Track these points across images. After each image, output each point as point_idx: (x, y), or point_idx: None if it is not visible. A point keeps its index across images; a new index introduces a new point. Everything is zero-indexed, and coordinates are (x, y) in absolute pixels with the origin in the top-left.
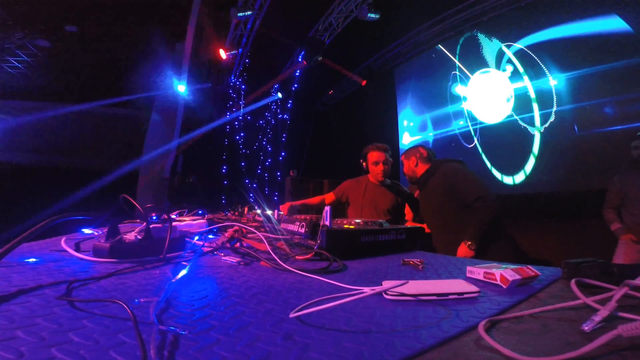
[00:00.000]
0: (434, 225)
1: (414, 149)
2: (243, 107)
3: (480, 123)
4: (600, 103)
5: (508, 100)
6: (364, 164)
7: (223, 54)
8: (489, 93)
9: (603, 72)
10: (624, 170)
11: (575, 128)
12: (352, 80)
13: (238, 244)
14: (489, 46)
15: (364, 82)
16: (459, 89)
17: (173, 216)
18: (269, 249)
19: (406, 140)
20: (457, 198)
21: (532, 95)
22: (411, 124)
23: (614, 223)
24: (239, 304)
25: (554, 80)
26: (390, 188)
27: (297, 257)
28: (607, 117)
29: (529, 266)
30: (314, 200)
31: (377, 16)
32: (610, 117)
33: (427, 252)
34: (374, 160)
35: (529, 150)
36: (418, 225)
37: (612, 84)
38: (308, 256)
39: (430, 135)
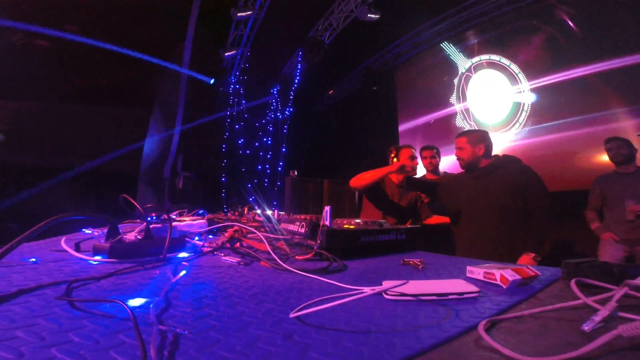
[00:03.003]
0: (480, 222)
1: (484, 134)
2: (243, 107)
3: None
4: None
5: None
6: (394, 159)
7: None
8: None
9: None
10: (605, 173)
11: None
12: (352, 80)
13: (238, 244)
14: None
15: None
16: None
17: (173, 216)
18: (269, 249)
19: (406, 140)
20: (524, 202)
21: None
22: (411, 124)
23: (594, 222)
24: (239, 304)
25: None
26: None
27: (297, 257)
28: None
29: (529, 266)
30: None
31: (377, 16)
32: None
33: (427, 252)
34: (410, 155)
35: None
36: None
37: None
38: (308, 256)
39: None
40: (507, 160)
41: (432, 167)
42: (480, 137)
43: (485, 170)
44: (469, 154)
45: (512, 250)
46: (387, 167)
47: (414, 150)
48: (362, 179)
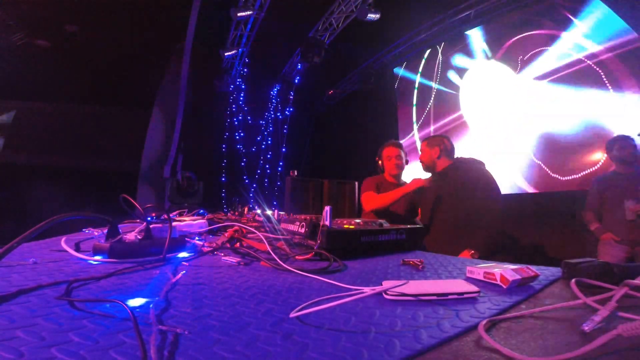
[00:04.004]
0: (435, 221)
1: (439, 139)
2: (243, 107)
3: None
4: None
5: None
6: (379, 161)
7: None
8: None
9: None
10: (603, 173)
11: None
12: (352, 80)
13: (238, 244)
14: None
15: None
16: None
17: (173, 216)
18: (269, 249)
19: (406, 139)
20: (472, 202)
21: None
22: (411, 124)
23: (593, 223)
24: (238, 304)
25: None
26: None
27: (297, 257)
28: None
29: (529, 266)
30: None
31: (377, 16)
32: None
33: (427, 252)
34: (387, 155)
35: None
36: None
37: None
38: (308, 256)
39: (428, 134)
40: (464, 161)
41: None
42: (435, 141)
43: (444, 172)
44: (426, 157)
45: (458, 249)
46: (404, 187)
47: (396, 147)
48: (379, 202)
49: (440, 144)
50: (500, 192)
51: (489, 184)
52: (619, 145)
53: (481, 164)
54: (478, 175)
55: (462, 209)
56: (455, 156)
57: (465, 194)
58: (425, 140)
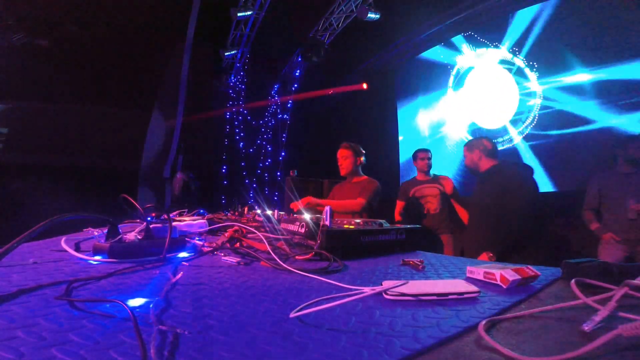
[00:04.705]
0: (472, 223)
1: (478, 141)
2: (243, 107)
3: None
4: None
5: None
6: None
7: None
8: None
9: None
10: (602, 172)
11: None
12: (352, 80)
13: (238, 244)
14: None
15: (363, 86)
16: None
17: (173, 216)
18: (269, 249)
19: (406, 140)
20: (506, 209)
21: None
22: (411, 124)
23: (593, 223)
24: (238, 304)
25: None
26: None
27: (297, 257)
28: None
29: (529, 266)
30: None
31: (377, 16)
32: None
33: (427, 252)
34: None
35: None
36: None
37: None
38: (308, 256)
39: (429, 134)
40: (506, 165)
41: (428, 168)
42: (475, 144)
43: (487, 174)
44: (468, 161)
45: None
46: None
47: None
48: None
49: (479, 145)
50: (535, 204)
51: (528, 195)
52: (637, 144)
53: (527, 169)
54: (520, 183)
55: (495, 214)
56: (499, 157)
57: (502, 201)
58: (466, 145)
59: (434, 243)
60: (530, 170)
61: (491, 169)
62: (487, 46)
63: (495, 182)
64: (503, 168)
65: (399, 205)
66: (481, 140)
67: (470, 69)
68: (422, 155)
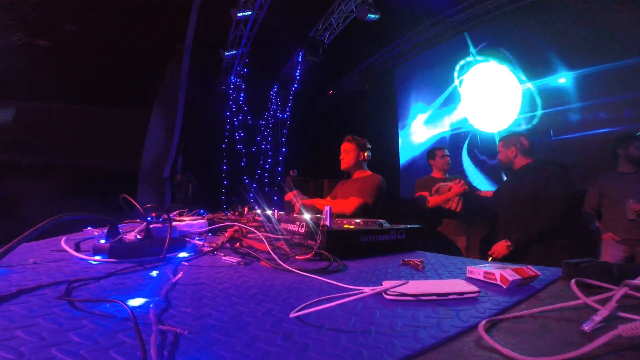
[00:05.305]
0: (504, 218)
1: (515, 137)
2: (243, 107)
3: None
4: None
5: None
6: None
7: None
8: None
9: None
10: (604, 173)
11: (551, 132)
12: (352, 80)
13: (238, 244)
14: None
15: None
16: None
17: (173, 216)
18: (269, 249)
19: (406, 140)
20: (534, 204)
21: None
22: (411, 124)
23: (593, 223)
24: (238, 304)
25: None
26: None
27: (297, 257)
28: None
29: (529, 266)
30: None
31: (377, 16)
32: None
33: (427, 252)
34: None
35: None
36: None
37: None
38: (308, 256)
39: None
40: (545, 165)
41: (448, 167)
42: (511, 140)
43: (523, 171)
44: (503, 156)
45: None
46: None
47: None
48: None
49: (516, 142)
50: (568, 203)
51: (562, 196)
52: (638, 144)
53: (563, 167)
54: (554, 185)
55: (527, 212)
56: (534, 155)
57: (535, 200)
58: (502, 140)
59: (456, 234)
60: (565, 168)
61: (526, 167)
62: (487, 46)
63: (530, 182)
64: (538, 167)
65: (425, 195)
66: (518, 137)
67: (470, 69)
68: (441, 153)
